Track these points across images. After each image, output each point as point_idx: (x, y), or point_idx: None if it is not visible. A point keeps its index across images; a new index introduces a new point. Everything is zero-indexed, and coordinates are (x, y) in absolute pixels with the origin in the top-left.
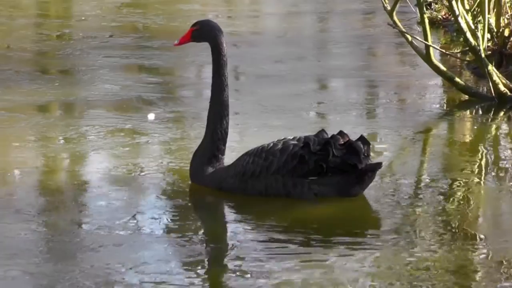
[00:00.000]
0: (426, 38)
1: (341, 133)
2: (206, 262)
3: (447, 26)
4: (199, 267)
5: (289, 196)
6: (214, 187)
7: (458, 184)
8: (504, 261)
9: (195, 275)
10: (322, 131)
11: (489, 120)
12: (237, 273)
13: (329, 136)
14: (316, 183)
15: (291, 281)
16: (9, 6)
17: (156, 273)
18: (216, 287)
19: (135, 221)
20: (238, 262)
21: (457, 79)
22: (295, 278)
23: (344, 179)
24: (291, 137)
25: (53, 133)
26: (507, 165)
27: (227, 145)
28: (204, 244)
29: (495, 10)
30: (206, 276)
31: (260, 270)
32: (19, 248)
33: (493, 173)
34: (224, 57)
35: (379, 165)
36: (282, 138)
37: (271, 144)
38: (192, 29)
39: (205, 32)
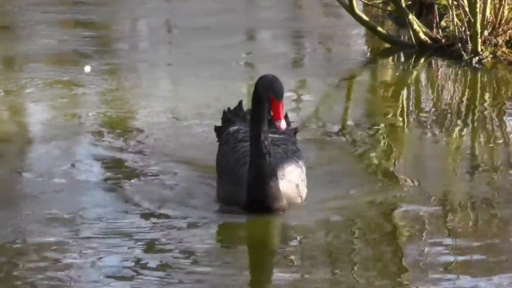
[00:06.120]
0: None
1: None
2: (143, 207)
3: None
4: (136, 212)
5: None
6: None
7: (382, 128)
8: (424, 203)
9: (132, 219)
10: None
11: (410, 66)
12: (173, 213)
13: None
14: None
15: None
16: None
17: (94, 218)
18: (152, 229)
19: (74, 169)
20: (171, 201)
21: (379, 29)
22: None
23: None
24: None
25: None
26: (427, 109)
27: (160, 94)
28: (141, 190)
29: None
30: (143, 219)
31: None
32: None
33: (414, 117)
34: None
35: None
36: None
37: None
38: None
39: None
